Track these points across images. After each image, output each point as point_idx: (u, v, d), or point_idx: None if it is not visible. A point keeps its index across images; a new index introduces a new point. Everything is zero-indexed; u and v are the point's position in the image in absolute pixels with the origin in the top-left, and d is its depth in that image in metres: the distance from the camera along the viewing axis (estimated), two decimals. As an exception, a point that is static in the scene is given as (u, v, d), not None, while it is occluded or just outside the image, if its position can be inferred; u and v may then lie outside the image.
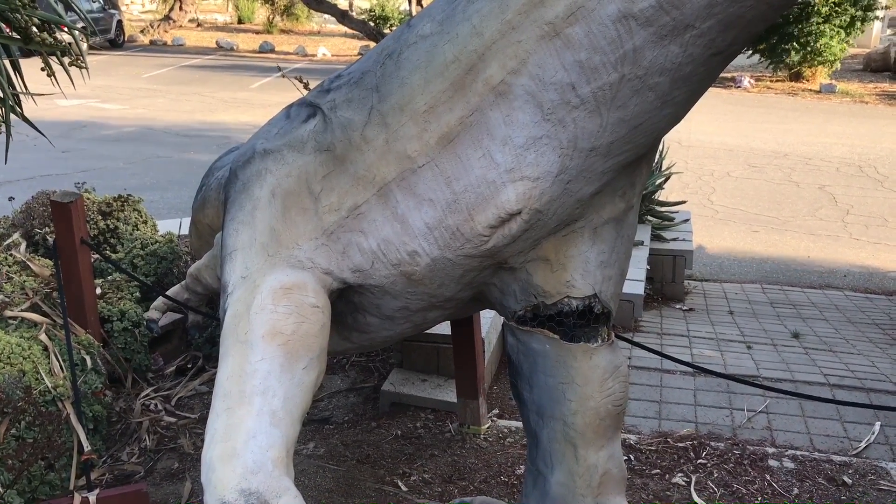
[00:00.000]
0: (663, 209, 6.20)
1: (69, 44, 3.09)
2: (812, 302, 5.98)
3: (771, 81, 18.03)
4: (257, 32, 25.59)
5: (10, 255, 3.68)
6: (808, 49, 16.38)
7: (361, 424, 3.33)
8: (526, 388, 2.06)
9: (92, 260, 3.47)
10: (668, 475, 2.96)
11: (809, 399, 2.81)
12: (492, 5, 1.70)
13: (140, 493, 2.58)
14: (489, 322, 3.65)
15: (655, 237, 5.88)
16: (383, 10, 23.00)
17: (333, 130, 1.95)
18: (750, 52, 17.21)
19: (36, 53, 2.85)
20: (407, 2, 21.71)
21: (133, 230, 4.68)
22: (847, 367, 4.25)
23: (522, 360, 2.04)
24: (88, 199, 4.65)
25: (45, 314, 3.06)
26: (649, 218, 6.02)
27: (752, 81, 17.75)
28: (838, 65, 17.78)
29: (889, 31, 26.61)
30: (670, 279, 5.76)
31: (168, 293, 3.42)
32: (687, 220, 6.35)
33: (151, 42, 23.68)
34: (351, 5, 26.34)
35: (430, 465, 2.99)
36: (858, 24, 16.68)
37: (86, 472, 2.67)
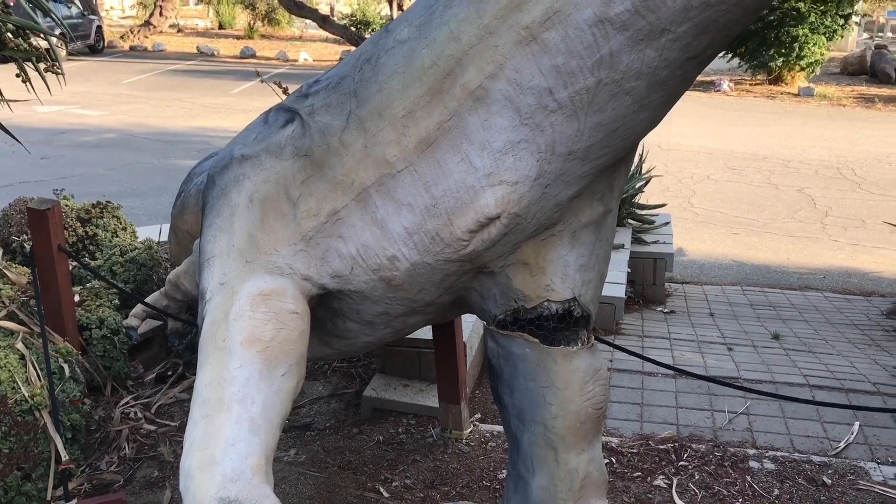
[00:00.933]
0: (643, 212, 6.22)
1: (45, 50, 3.06)
2: (792, 303, 6.03)
3: (750, 85, 18.17)
4: (238, 38, 25.50)
5: (-13, 262, 3.62)
6: (792, 54, 16.52)
7: (343, 430, 3.31)
8: (506, 392, 2.06)
9: (70, 267, 3.44)
10: (649, 478, 2.96)
11: (789, 400, 2.83)
12: (469, 10, 1.70)
13: (119, 502, 2.55)
14: (471, 326, 3.65)
15: (636, 240, 5.90)
16: (364, 15, 22.98)
17: (311, 135, 1.95)
18: (730, 55, 17.35)
19: (11, 60, 2.82)
20: (388, 6, 21.72)
21: (112, 237, 4.64)
22: (826, 368, 4.27)
23: (503, 364, 2.04)
24: (67, 205, 4.61)
25: (22, 322, 3.03)
26: (630, 221, 6.05)
27: (732, 85, 17.88)
28: (818, 69, 17.96)
29: (865, 35, 26.92)
30: (651, 282, 5.77)
31: (147, 300, 3.40)
32: (667, 223, 6.38)
33: (132, 48, 23.53)
34: (332, 10, 26.33)
35: (411, 471, 2.98)
36: (839, 30, 16.87)
37: (63, 482, 2.64)
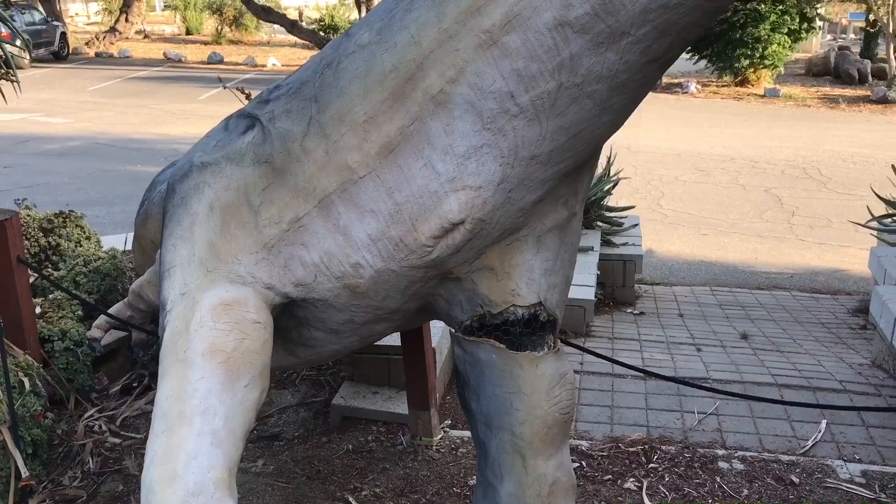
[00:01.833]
0: (612, 214, 6.24)
1: (2, 59, 3.01)
2: (760, 303, 6.08)
3: (717, 86, 18.36)
4: (206, 43, 25.30)
5: (-56, 275, 3.54)
6: (757, 54, 16.73)
7: (312, 440, 3.27)
8: (473, 398, 2.05)
9: (31, 278, 3.37)
10: (619, 480, 2.96)
11: (758, 400, 2.84)
12: (429, 14, 1.69)
13: (81, 518, 2.49)
14: (440, 332, 3.63)
15: (605, 242, 5.92)
16: (333, 20, 22.89)
17: (272, 142, 1.93)
18: (697, 58, 17.53)
19: (-34, 68, 2.76)
20: (356, 11, 21.67)
21: (76, 247, 4.55)
22: (794, 367, 4.31)
23: (469, 370, 2.02)
24: (29, 215, 4.52)
25: (-20, 336, 2.95)
26: (599, 223, 6.06)
27: (699, 87, 18.06)
28: (782, 69, 18.20)
29: (829, 37, 27.33)
30: (621, 284, 5.80)
31: (110, 311, 3.33)
32: (636, 225, 6.40)
33: (97, 54, 23.26)
34: (301, 15, 26.18)
35: (381, 479, 2.95)
36: (804, 34, 17.13)
37: (24, 500, 2.58)
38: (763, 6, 15.84)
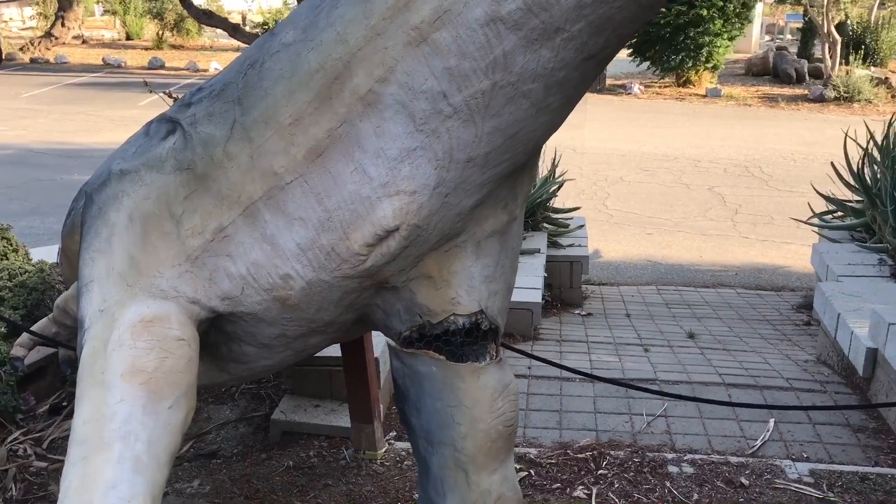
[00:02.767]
0: (558, 216, 6.22)
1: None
2: (706, 301, 6.11)
3: (660, 87, 18.58)
4: (147, 48, 24.75)
5: None
6: (700, 58, 16.99)
7: (251, 457, 3.14)
8: (414, 413, 1.96)
9: (-53, 295, 3.17)
10: (569, 489, 2.89)
11: (706, 402, 2.81)
12: (356, 10, 1.61)
13: (0, 551, 2.33)
14: (382, 342, 3.52)
15: (552, 244, 5.89)
16: (276, 23, 22.56)
17: (194, 147, 1.83)
18: (639, 59, 17.72)
19: None
20: (300, 15, 21.35)
21: (0, 260, 4.34)
22: (741, 366, 4.31)
23: (409, 384, 1.94)
24: (-51, 228, 4.29)
25: None
26: (545, 225, 6.04)
27: (642, 88, 18.26)
28: (722, 67, 18.52)
29: (767, 38, 27.92)
30: (568, 285, 5.77)
31: (34, 328, 3.16)
32: (582, 226, 6.39)
33: (32, 60, 22.57)
34: (244, 19, 25.77)
35: (323, 496, 2.83)
36: (741, 31, 17.46)
37: (-62, 533, 2.40)
38: (705, 11, 16.05)
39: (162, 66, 21.97)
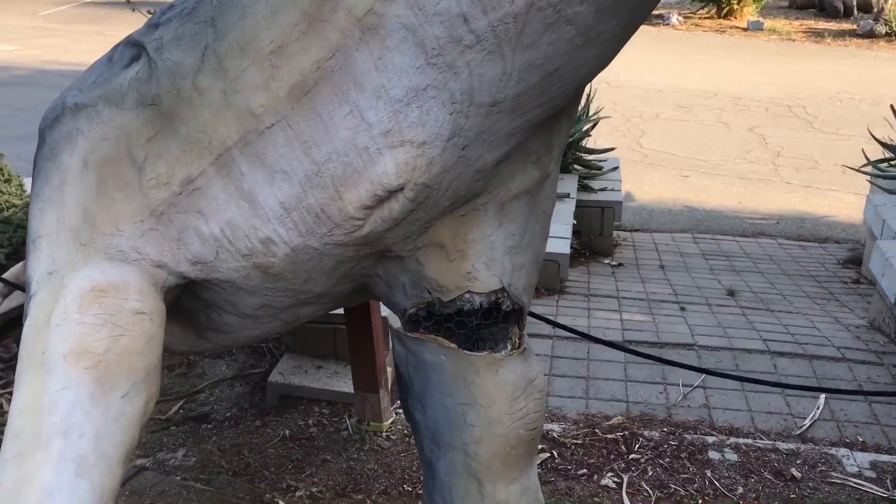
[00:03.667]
0: (591, 157, 5.82)
1: None
2: (745, 252, 5.73)
3: (699, 19, 17.78)
4: (166, -34, 24.15)
5: None
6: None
7: (245, 423, 2.86)
8: (418, 408, 1.67)
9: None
10: (596, 475, 2.57)
11: (753, 383, 2.49)
12: None
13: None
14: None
15: (582, 188, 5.50)
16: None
17: (159, 78, 1.51)
18: (678, -13, 16.94)
19: None
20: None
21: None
22: (786, 330, 3.95)
23: (413, 373, 1.65)
24: (-68, 156, 4.01)
25: None
26: (576, 167, 5.65)
27: (681, 19, 17.48)
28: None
29: (814, -32, 26.68)
30: (598, 232, 5.42)
31: (8, 273, 2.92)
32: (616, 168, 5.98)
33: (50, -23, 22.11)
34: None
35: (320, 474, 2.55)
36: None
37: None
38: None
39: (181, -14, 21.43)
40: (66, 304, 1.52)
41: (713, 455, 2.73)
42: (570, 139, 5.54)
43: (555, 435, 2.81)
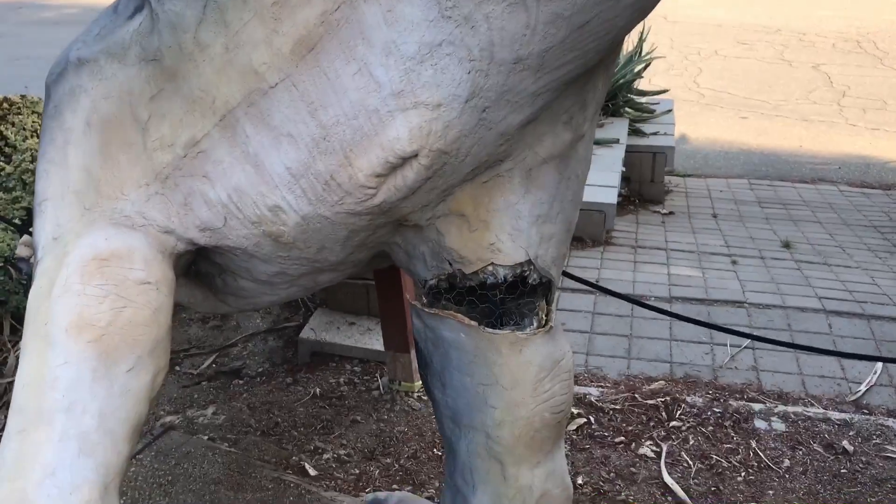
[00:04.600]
0: (643, 100, 5.58)
1: None
2: (804, 199, 5.48)
3: (764, -52, 16.98)
4: None
5: None
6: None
7: (276, 380, 2.82)
8: (437, 386, 1.58)
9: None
10: (634, 443, 2.47)
11: (803, 350, 2.35)
12: None
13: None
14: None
15: (633, 132, 5.29)
16: None
17: (160, 31, 1.40)
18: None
19: None
20: None
21: (27, 138, 4.04)
22: (844, 286, 3.76)
23: (432, 350, 1.56)
24: (-29, 100, 3.99)
25: None
26: (627, 110, 5.42)
27: (745, -52, 16.70)
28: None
29: None
30: (649, 179, 5.21)
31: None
32: (669, 111, 5.73)
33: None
34: None
35: (349, 436, 2.49)
36: None
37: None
38: None
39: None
40: (68, 273, 1.44)
41: (759, 424, 2.59)
42: (621, 81, 5.31)
43: (592, 399, 2.70)
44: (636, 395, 2.73)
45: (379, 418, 2.61)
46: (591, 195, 4.11)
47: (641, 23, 5.67)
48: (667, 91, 5.99)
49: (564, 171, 1.47)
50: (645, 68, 5.63)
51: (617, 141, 4.85)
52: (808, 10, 11.86)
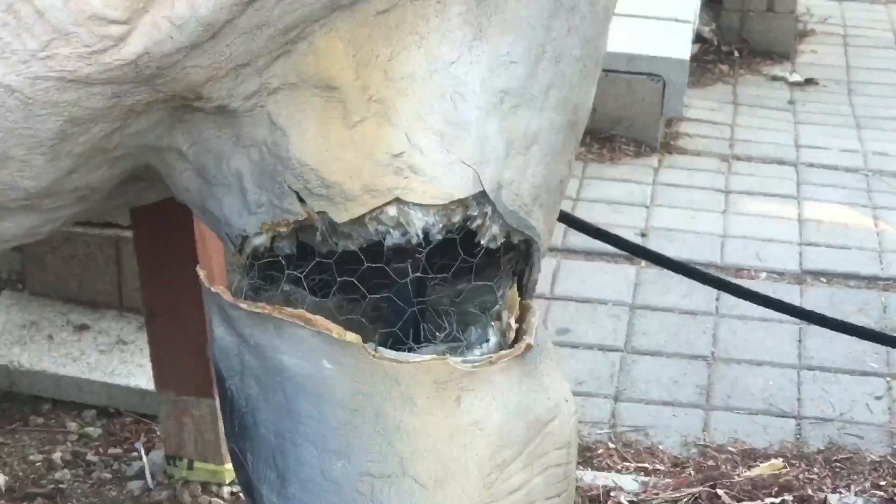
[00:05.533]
0: None
1: None
2: None
3: None
4: None
5: None
6: None
7: None
8: (267, 475, 1.76)
9: None
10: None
11: None
12: None
13: None
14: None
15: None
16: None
17: None
18: None
19: None
20: None
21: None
22: None
23: (257, 395, 1.65)
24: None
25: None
26: None
27: None
28: None
29: None
30: (762, 7, 5.44)
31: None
32: None
33: None
34: None
35: None
36: None
37: None
38: None
39: None
40: None
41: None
42: None
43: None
44: (721, 494, 2.86)
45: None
46: (634, 46, 4.23)
47: None
48: None
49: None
50: None
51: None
52: None
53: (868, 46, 5.60)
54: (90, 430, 2.99)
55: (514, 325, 1.65)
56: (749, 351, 3.40)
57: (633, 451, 3.04)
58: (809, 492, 2.89)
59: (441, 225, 1.58)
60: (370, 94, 1.55)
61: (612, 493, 2.85)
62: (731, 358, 3.34)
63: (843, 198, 4.14)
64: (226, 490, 2.92)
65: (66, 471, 2.90)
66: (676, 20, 4.35)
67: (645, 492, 2.89)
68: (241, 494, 2.85)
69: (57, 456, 2.94)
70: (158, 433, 2.92)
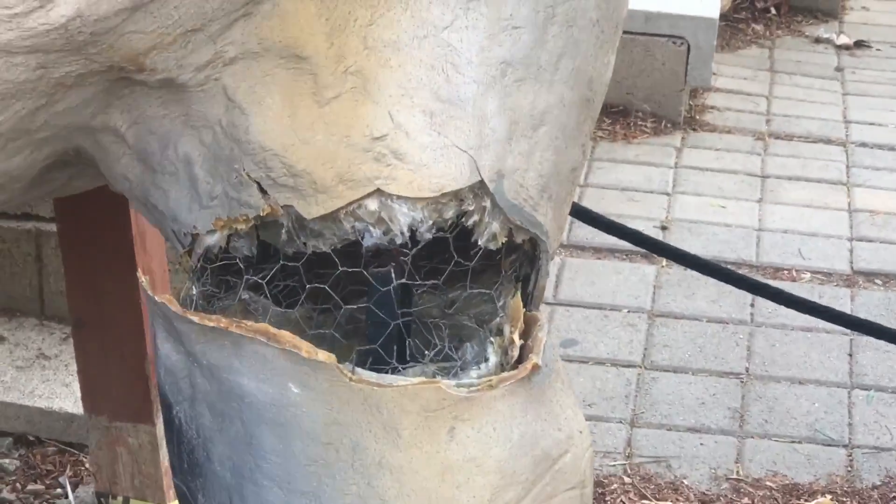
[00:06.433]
0: None
1: None
2: None
3: None
4: None
5: None
6: None
7: None
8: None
9: None
10: None
11: None
12: None
13: None
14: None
15: None
16: None
17: None
18: None
19: None
20: None
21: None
22: None
23: (209, 425, 1.66)
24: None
25: None
26: None
27: None
28: None
29: None
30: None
31: None
32: None
33: None
34: None
35: None
36: None
37: None
38: None
39: None
40: None
41: None
42: None
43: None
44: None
45: None
46: (653, 2, 4.24)
47: None
48: None
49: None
50: None
51: None
52: None
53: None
54: (5, 462, 2.98)
55: (518, 342, 1.62)
56: (790, 367, 3.41)
57: (652, 487, 3.05)
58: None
59: (430, 222, 1.58)
60: (346, 65, 1.57)
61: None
62: (768, 375, 3.35)
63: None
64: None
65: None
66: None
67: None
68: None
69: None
70: (87, 466, 2.90)
